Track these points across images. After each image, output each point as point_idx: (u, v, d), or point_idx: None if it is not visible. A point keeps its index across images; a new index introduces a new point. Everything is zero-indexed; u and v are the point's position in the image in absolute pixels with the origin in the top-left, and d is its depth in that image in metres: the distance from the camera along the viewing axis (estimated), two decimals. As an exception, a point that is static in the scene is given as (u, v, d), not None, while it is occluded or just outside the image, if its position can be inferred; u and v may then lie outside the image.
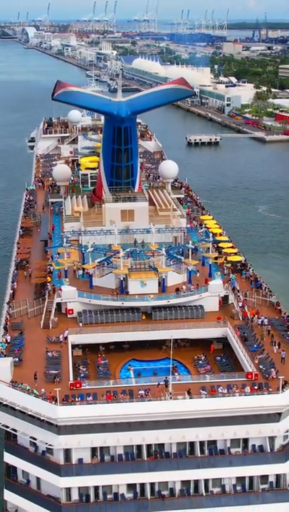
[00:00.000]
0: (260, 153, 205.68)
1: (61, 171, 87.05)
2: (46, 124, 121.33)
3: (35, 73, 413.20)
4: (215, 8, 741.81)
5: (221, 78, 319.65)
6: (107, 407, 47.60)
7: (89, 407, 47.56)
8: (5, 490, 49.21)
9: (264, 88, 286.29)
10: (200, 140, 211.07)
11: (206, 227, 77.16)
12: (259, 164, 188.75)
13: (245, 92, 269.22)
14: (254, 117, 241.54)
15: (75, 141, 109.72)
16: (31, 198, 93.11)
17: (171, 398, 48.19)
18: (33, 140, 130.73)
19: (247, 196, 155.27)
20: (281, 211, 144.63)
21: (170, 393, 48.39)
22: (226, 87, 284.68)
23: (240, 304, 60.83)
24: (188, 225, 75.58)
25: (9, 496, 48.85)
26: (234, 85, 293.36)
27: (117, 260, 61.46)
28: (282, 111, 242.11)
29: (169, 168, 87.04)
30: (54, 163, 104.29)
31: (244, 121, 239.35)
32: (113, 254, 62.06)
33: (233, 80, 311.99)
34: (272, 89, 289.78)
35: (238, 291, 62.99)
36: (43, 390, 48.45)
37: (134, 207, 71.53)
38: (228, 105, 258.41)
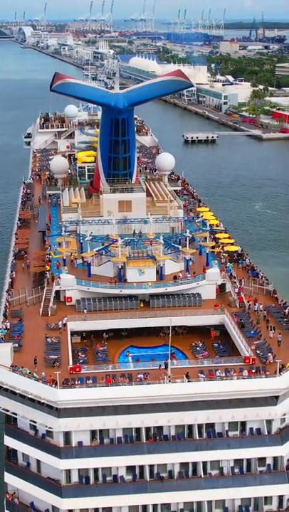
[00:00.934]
0: (257, 151, 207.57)
1: (59, 163, 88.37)
2: (43, 119, 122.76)
3: (32, 72, 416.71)
4: (212, 8, 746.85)
5: (218, 77, 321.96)
6: (106, 390, 48.50)
7: (89, 390, 48.45)
8: (5, 473, 50.24)
9: (261, 86, 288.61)
10: (197, 138, 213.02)
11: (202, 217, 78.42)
12: (256, 162, 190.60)
13: (242, 91, 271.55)
14: (251, 115, 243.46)
15: (71, 135, 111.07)
16: (29, 191, 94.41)
17: (169, 381, 49.31)
18: (29, 136, 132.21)
19: (244, 193, 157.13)
20: (278, 208, 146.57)
21: (169, 376, 49.54)
22: (223, 85, 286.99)
23: (237, 290, 62.07)
24: (186, 216, 76.83)
25: (9, 478, 49.87)
26: (231, 84, 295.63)
27: (115, 249, 62.68)
28: (279, 109, 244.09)
29: (166, 160, 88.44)
30: (51, 157, 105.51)
31: (241, 119, 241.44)
32: (111, 242, 63.24)
33: (230, 78, 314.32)
34: (269, 88, 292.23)
35: (235, 277, 64.29)
36: (43, 373, 49.48)
37: (131, 197, 72.75)
38: (225, 103, 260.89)
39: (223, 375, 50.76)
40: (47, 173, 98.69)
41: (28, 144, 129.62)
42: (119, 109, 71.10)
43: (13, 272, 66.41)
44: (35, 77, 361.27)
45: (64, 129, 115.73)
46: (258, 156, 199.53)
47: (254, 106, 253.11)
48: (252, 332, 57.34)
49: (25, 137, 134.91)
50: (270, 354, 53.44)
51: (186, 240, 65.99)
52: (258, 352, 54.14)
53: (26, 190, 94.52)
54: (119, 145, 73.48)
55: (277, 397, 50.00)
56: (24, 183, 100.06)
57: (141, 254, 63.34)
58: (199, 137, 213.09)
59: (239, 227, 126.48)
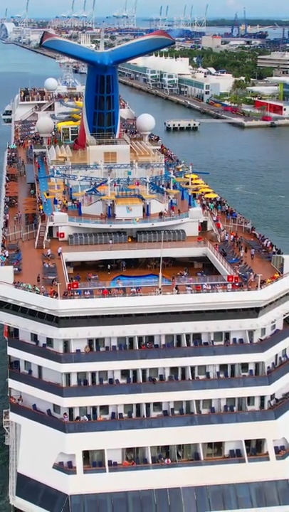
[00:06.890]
0: (238, 138, 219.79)
1: (44, 122, 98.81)
2: (23, 93, 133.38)
3: (14, 65, 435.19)
4: (194, 5, 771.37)
5: (200, 69, 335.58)
6: (103, 300, 57.50)
7: (87, 300, 57.37)
8: (9, 379, 59.06)
9: (243, 77, 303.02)
10: (178, 125, 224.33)
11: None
12: (238, 148, 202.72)
13: (224, 81, 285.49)
14: (233, 104, 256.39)
15: (51, 108, 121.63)
16: (14, 154, 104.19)
17: (160, 293, 58.88)
18: (7, 113, 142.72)
19: (226, 175, 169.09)
20: (257, 189, 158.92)
21: (159, 289, 59.16)
22: (205, 76, 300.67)
23: (215, 219, 72.13)
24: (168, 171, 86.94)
25: (13, 383, 58.67)
26: (213, 75, 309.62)
27: (105, 188, 72.48)
28: (261, 98, 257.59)
29: (146, 120, 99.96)
30: (32, 128, 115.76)
31: (223, 108, 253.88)
32: (101, 183, 73.05)
33: (212, 70, 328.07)
34: (251, 79, 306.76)
35: (211, 207, 74.71)
36: (43, 287, 58.73)
37: (116, 149, 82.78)
38: (206, 93, 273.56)
39: (209, 288, 60.39)
40: (29, 141, 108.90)
41: (7, 121, 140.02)
42: (104, 65, 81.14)
43: (7, 215, 75.82)
44: (17, 71, 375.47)
45: (44, 102, 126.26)
46: (239, 143, 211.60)
47: (236, 95, 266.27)
48: (233, 259, 67.32)
49: (3, 114, 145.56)
50: (251, 273, 63.37)
51: (168, 183, 76.15)
52: (240, 273, 64.04)
53: (11, 154, 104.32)
54: (104, 101, 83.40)
55: (258, 310, 59.20)
56: (8, 147, 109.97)
57: (129, 193, 73.19)
58: (181, 124, 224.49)
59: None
